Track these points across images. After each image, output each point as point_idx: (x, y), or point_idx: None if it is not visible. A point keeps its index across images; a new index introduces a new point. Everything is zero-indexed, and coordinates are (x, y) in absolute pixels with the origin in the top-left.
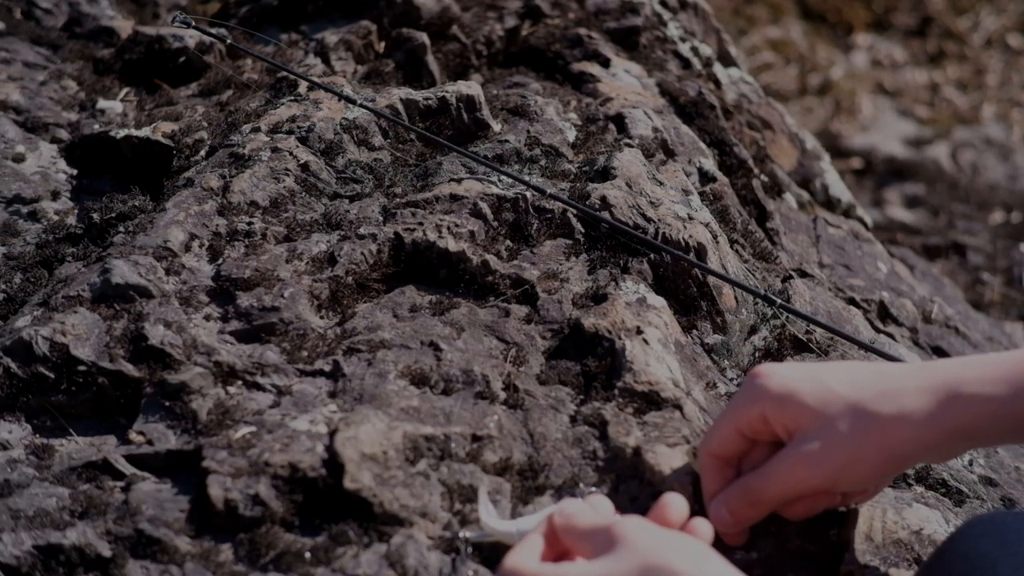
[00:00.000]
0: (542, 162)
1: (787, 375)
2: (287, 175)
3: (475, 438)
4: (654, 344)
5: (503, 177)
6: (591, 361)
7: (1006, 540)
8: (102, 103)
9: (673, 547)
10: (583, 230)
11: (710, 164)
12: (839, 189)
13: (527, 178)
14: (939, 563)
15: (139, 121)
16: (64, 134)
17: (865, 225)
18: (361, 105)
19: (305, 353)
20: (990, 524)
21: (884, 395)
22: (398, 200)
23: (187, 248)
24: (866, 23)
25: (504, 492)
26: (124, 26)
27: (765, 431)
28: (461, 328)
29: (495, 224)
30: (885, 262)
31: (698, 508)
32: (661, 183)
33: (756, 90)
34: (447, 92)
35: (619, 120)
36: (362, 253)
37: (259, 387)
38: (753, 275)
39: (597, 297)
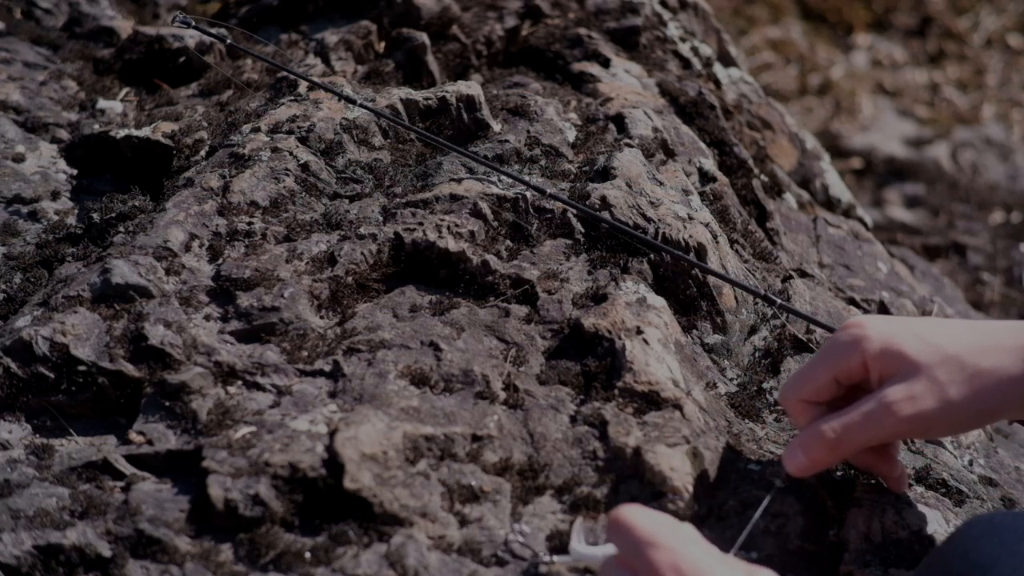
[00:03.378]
0: (542, 162)
1: (887, 325)
2: (287, 175)
3: (475, 438)
4: (654, 344)
5: (503, 177)
6: (591, 361)
7: (1006, 540)
8: (102, 103)
9: None
10: (583, 230)
11: (710, 164)
12: (839, 189)
13: (527, 178)
14: (939, 563)
15: (139, 121)
16: (64, 134)
17: (865, 225)
18: (361, 105)
19: (305, 353)
20: (990, 524)
21: (984, 349)
22: (398, 200)
23: (187, 248)
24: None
25: (504, 492)
26: (124, 26)
27: (861, 379)
28: (461, 328)
29: (495, 224)
30: (885, 262)
31: (699, 508)
32: (661, 183)
33: (756, 90)
34: (447, 92)
35: (619, 120)
36: (362, 253)
37: (259, 387)
38: (753, 275)
39: (597, 297)
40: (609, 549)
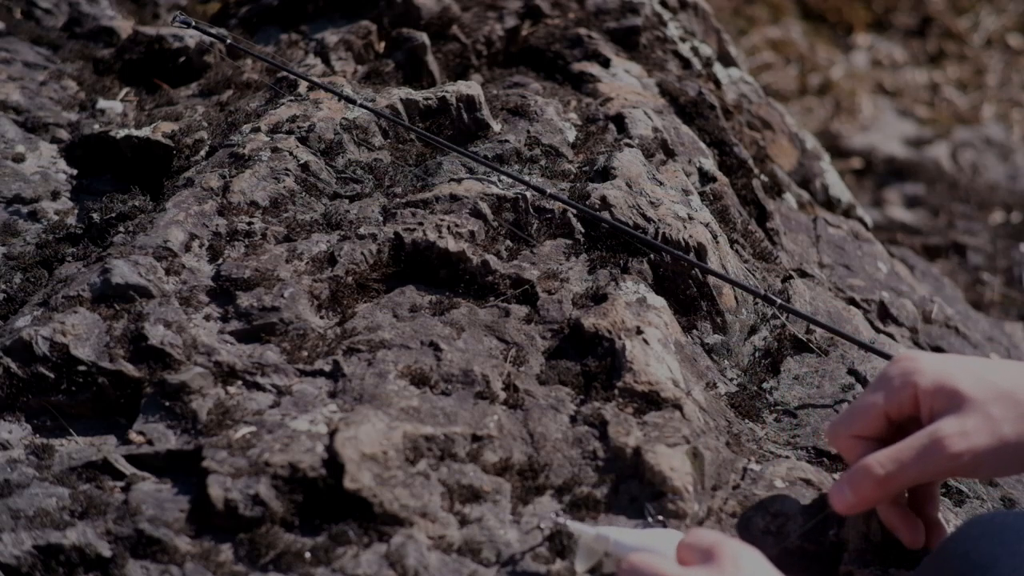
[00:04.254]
0: (542, 162)
1: (940, 361)
2: (287, 175)
3: (475, 438)
4: (654, 344)
5: (503, 177)
6: (591, 361)
7: (1006, 540)
8: (102, 103)
9: None
10: (583, 230)
11: (710, 164)
12: (839, 189)
13: (527, 178)
14: (939, 563)
15: (139, 121)
16: (64, 134)
17: (865, 225)
18: (361, 105)
19: (305, 353)
20: (990, 524)
21: None
22: (398, 200)
23: (187, 248)
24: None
25: (504, 492)
26: (124, 26)
27: (912, 414)
28: (461, 328)
29: (495, 224)
30: (885, 262)
31: (699, 508)
32: (661, 183)
33: (756, 90)
34: (447, 92)
35: (619, 120)
36: (362, 253)
37: (259, 387)
38: (753, 275)
39: (597, 297)
40: (618, 536)
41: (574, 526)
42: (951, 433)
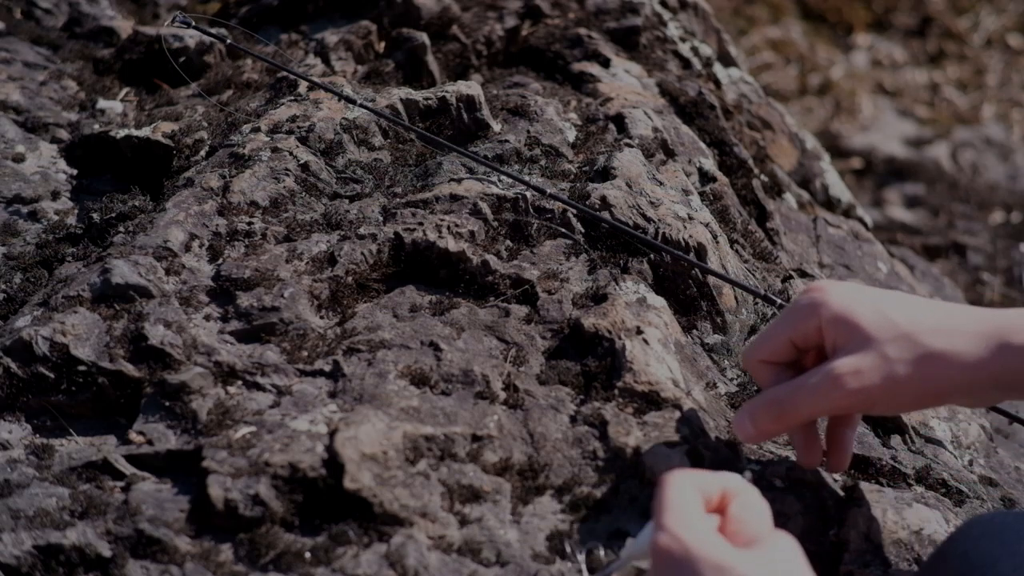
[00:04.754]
0: (542, 162)
1: (848, 294)
2: (287, 175)
3: (475, 438)
4: (654, 344)
5: (503, 177)
6: (591, 361)
7: (1006, 540)
8: (102, 103)
9: None
10: (583, 230)
11: (710, 164)
12: (839, 189)
13: (527, 178)
14: (939, 563)
15: (139, 121)
16: (64, 134)
17: (865, 225)
18: (361, 105)
19: (305, 353)
20: (990, 524)
21: (939, 331)
22: (398, 200)
23: (187, 248)
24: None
25: (504, 492)
26: (124, 26)
27: (817, 343)
28: (461, 328)
29: (495, 224)
30: (885, 262)
31: None
32: (661, 183)
33: (756, 90)
34: (447, 92)
35: (619, 120)
36: (362, 253)
37: (259, 387)
38: (753, 275)
39: (597, 297)
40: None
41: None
42: (845, 372)
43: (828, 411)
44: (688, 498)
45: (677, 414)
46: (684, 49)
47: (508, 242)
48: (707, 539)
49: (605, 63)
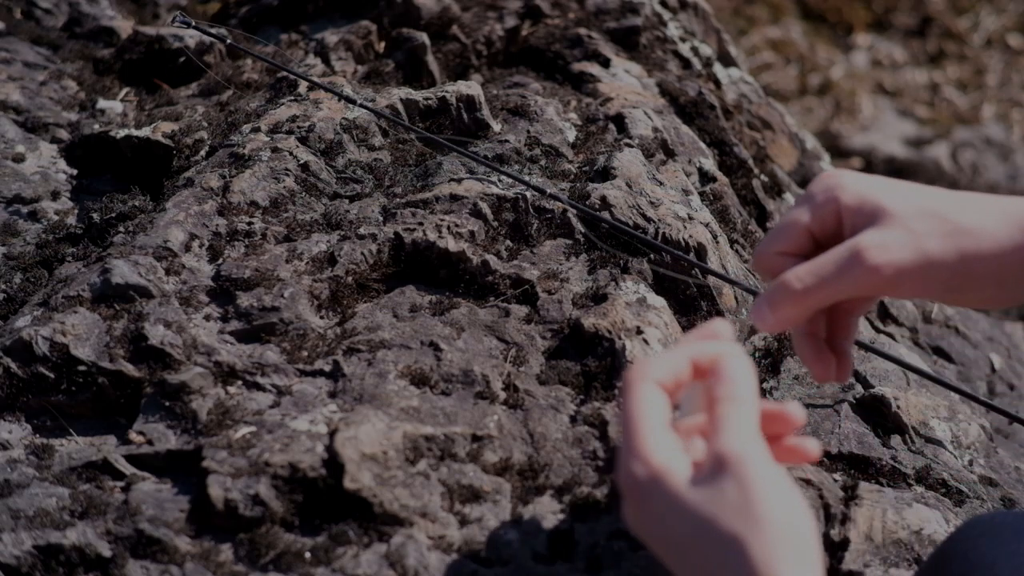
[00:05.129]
0: (542, 162)
1: (864, 178)
2: (287, 175)
3: (475, 438)
4: (654, 344)
5: (503, 177)
6: (591, 361)
7: (1006, 540)
8: (102, 103)
9: (782, 532)
10: (583, 230)
11: (710, 164)
12: None
13: (527, 178)
14: (939, 563)
15: (139, 121)
16: (64, 134)
17: None
18: (361, 105)
19: (305, 353)
20: (990, 524)
21: (966, 209)
22: (398, 200)
23: (187, 248)
24: (866, 23)
25: (504, 492)
26: (124, 26)
27: (834, 232)
28: (461, 328)
29: (495, 224)
30: None
31: None
32: (661, 183)
33: (756, 90)
34: (447, 92)
35: (619, 120)
36: (362, 253)
37: (259, 387)
38: (753, 275)
39: (597, 297)
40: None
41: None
42: (871, 245)
43: (853, 291)
44: (652, 412)
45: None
46: (684, 49)
47: (508, 242)
48: (671, 468)
49: (605, 63)
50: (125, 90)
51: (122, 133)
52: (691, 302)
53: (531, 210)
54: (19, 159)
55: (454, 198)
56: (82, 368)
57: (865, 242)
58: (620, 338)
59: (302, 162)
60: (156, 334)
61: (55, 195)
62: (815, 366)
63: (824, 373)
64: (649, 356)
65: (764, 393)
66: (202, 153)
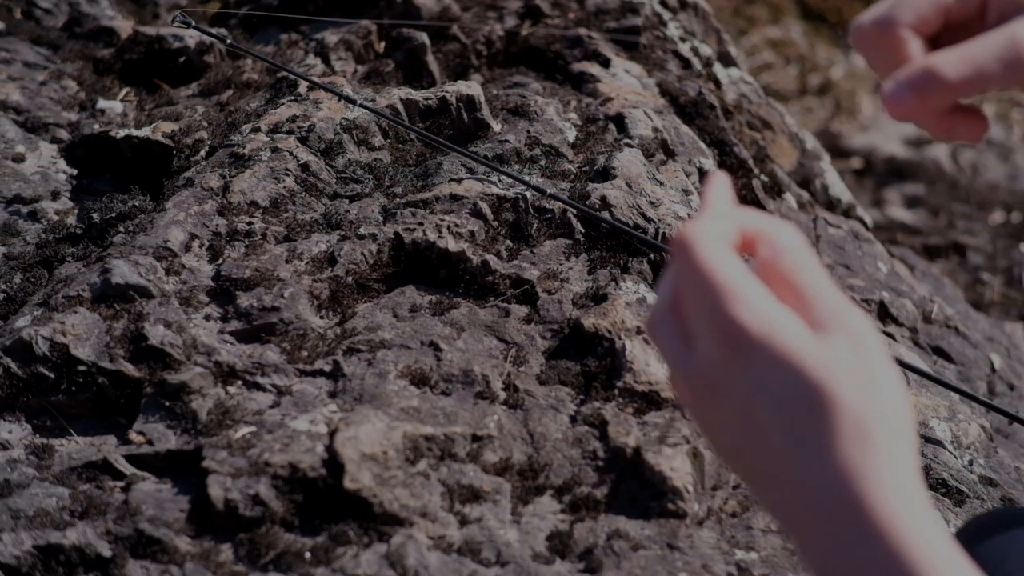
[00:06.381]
0: (542, 162)
1: None
2: (287, 175)
3: (475, 438)
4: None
5: (503, 177)
6: (591, 361)
7: (1015, 537)
8: (102, 103)
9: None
10: (583, 230)
11: (710, 164)
12: (839, 189)
13: (527, 178)
14: None
15: (139, 121)
16: (64, 134)
17: (865, 225)
18: (361, 105)
19: (305, 353)
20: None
21: None
22: (398, 200)
23: (187, 248)
24: None
25: (504, 492)
26: (124, 26)
27: (975, 15)
28: (461, 328)
29: (495, 224)
30: (885, 262)
31: (699, 508)
32: (661, 183)
33: (756, 90)
34: (447, 92)
35: (619, 120)
36: (362, 253)
37: (259, 387)
38: None
39: (597, 297)
40: None
41: None
42: None
43: (1009, 84)
44: (739, 265)
45: (677, 414)
46: (684, 49)
47: (508, 242)
48: (784, 321)
49: (605, 63)
50: (125, 90)
51: (122, 133)
52: None
53: (531, 210)
54: (19, 159)
55: (454, 198)
56: (82, 368)
57: None
58: (620, 338)
59: (302, 162)
60: (156, 334)
61: (55, 195)
62: (971, 127)
63: (980, 133)
64: (696, 219)
65: None
66: (202, 153)
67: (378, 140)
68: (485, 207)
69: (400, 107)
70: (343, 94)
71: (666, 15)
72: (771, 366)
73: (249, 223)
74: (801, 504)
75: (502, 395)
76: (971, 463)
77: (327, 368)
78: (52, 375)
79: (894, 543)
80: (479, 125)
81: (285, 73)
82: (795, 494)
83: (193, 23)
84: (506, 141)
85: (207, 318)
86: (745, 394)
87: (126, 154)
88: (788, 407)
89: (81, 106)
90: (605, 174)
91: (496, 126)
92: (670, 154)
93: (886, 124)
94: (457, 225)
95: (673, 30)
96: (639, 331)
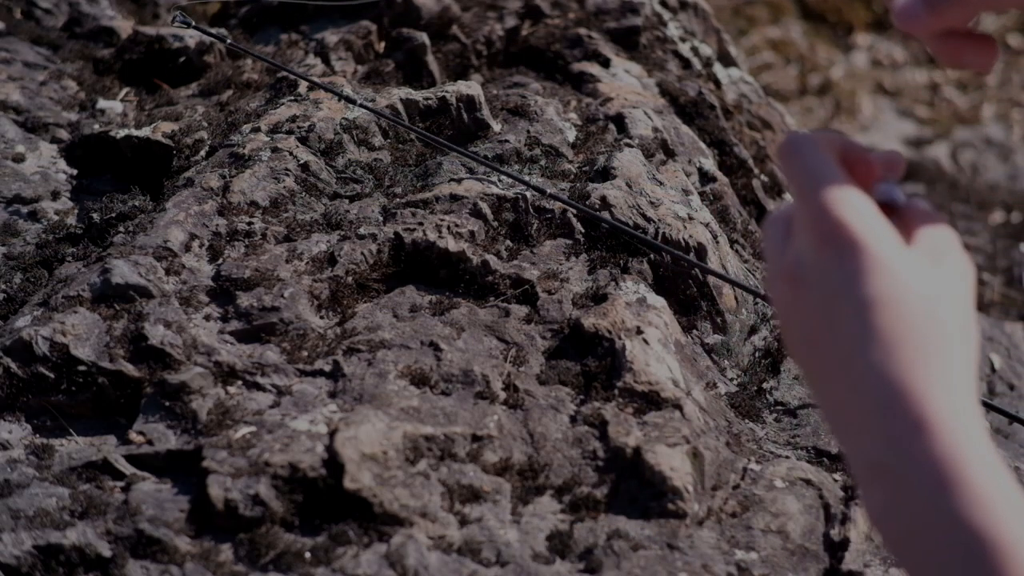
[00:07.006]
0: (542, 162)
1: None
2: (287, 175)
3: (475, 438)
4: (654, 344)
5: (503, 177)
6: (591, 361)
7: None
8: (102, 103)
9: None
10: (583, 230)
11: (710, 164)
12: None
13: (527, 178)
14: None
15: (139, 121)
16: (64, 134)
17: None
18: (361, 105)
19: (305, 353)
20: None
21: None
22: (398, 200)
23: (187, 248)
24: (866, 23)
25: (504, 492)
26: (124, 26)
27: None
28: (461, 328)
29: (495, 224)
30: None
31: (699, 508)
32: (661, 183)
33: (756, 90)
34: (447, 92)
35: (619, 120)
36: (362, 253)
37: (259, 387)
38: (753, 275)
39: (597, 297)
40: None
41: None
42: None
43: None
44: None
45: (677, 414)
46: (684, 49)
47: (508, 242)
48: (883, 230)
49: (605, 63)
50: (125, 90)
51: (122, 133)
52: (691, 302)
53: (531, 210)
54: (19, 159)
55: (454, 198)
56: (82, 368)
57: None
58: (620, 338)
59: (302, 162)
60: (156, 334)
61: (55, 195)
62: (981, 55)
63: (990, 61)
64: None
65: (764, 392)
66: (202, 153)
67: (378, 140)
68: (485, 207)
69: (400, 107)
70: (343, 94)
71: (666, 15)
72: (863, 267)
73: (249, 223)
74: (858, 399)
75: (502, 395)
76: None
77: (327, 368)
78: (52, 375)
79: (942, 440)
80: (479, 125)
81: (285, 73)
82: (855, 389)
83: (193, 23)
84: (506, 141)
85: (207, 318)
86: (833, 289)
87: (126, 154)
88: (868, 306)
89: (81, 106)
90: (605, 174)
91: (496, 126)
92: (670, 154)
93: (886, 124)
94: (457, 225)
95: (673, 30)
96: (639, 331)
